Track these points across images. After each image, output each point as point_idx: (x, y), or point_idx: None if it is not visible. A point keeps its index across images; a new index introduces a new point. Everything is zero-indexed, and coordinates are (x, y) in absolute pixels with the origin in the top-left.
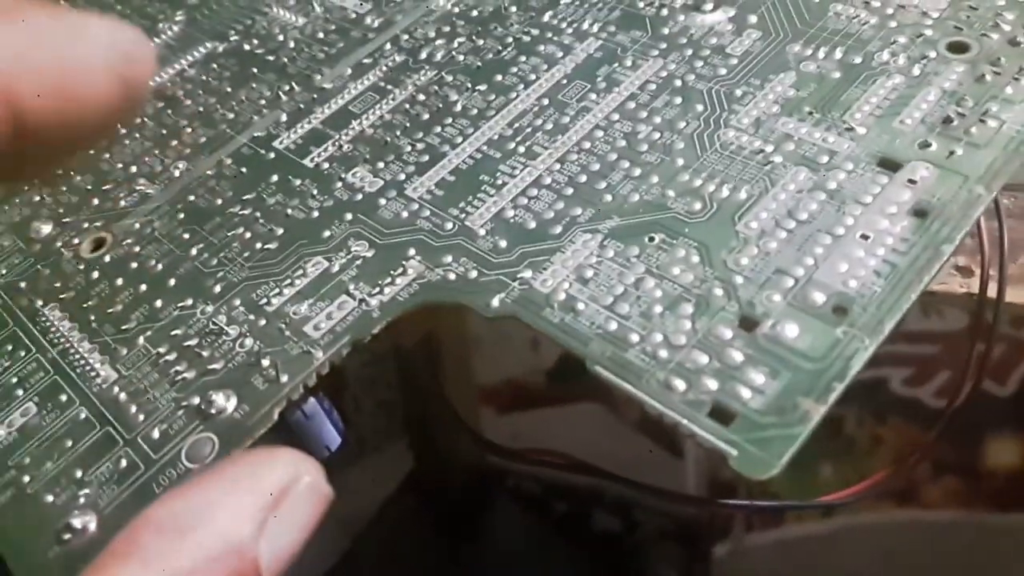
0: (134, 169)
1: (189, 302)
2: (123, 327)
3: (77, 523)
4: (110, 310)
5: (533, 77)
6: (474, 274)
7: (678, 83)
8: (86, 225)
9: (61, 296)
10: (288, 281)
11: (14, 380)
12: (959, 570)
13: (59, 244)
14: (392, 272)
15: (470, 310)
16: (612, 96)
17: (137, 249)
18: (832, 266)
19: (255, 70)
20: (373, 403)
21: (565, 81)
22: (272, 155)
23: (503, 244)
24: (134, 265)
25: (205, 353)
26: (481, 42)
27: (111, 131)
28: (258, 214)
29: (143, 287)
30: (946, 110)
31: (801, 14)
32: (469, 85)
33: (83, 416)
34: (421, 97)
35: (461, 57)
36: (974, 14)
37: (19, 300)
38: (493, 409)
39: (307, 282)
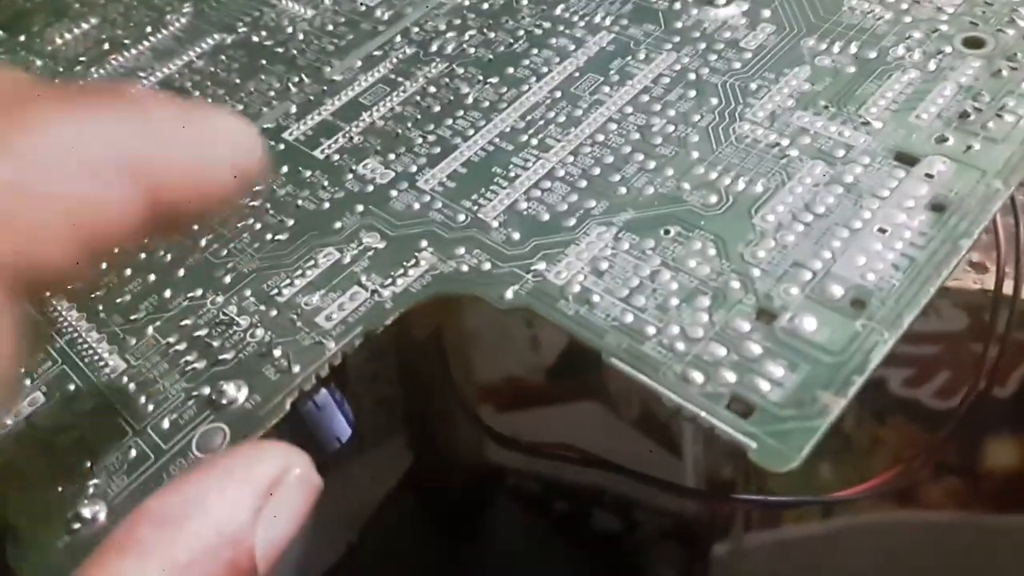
0: None
1: (199, 292)
2: (132, 317)
3: (87, 512)
4: (119, 300)
5: (545, 70)
6: (487, 266)
7: (692, 76)
8: None
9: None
10: (299, 272)
11: (22, 369)
12: (958, 570)
13: None
14: (404, 263)
15: (471, 306)
16: (625, 89)
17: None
18: (850, 259)
19: (264, 62)
20: (373, 400)
21: (577, 74)
22: (282, 146)
23: (516, 236)
24: (142, 255)
25: (216, 343)
26: (492, 35)
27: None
28: (268, 205)
29: (152, 277)
30: (963, 105)
31: (815, 8)
32: (481, 78)
33: (91, 406)
34: (432, 89)
35: (472, 50)
36: (989, 9)
37: None
38: (492, 407)
39: (318, 273)
